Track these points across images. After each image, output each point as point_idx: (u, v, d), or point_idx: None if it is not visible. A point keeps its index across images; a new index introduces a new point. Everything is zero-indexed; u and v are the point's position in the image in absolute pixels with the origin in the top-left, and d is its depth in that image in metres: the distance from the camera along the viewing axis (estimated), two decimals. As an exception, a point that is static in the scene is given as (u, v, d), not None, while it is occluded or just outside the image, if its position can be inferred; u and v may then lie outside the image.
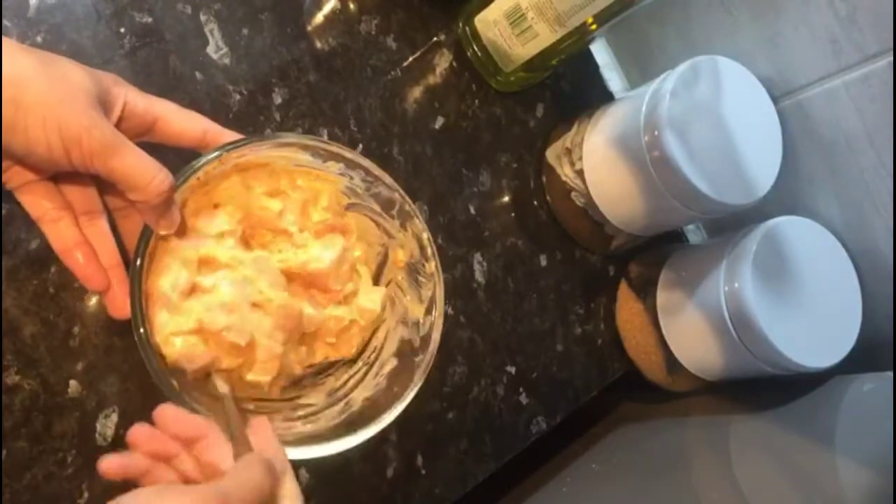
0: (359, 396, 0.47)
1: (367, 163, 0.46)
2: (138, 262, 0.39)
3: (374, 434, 0.44)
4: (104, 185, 0.40)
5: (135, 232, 0.40)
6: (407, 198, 0.48)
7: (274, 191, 0.46)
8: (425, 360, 0.47)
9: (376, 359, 0.49)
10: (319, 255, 0.47)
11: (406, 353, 0.48)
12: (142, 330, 0.38)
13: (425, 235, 0.48)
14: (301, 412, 0.46)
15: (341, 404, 0.47)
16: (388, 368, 0.48)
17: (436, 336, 0.47)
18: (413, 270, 0.49)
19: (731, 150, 0.57)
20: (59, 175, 0.39)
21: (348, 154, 0.46)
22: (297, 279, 0.47)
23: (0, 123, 0.33)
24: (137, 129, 0.40)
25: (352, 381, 0.49)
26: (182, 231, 0.42)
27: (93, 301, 0.46)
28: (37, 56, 0.35)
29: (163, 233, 0.40)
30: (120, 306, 0.40)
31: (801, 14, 0.58)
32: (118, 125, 0.38)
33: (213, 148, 0.41)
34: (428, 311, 0.48)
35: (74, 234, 0.39)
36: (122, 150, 0.36)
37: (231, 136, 0.43)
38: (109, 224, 0.41)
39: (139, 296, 0.39)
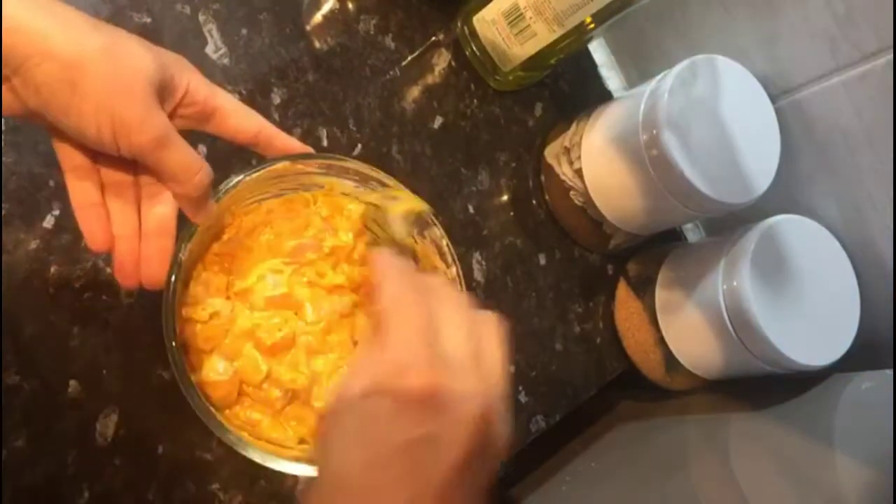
0: None
1: (356, 164, 0.46)
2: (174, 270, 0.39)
3: None
4: (140, 166, 0.39)
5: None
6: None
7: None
8: None
9: None
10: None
11: None
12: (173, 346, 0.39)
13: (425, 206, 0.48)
14: None
15: None
16: None
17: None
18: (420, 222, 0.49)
19: (730, 149, 0.57)
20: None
21: (338, 162, 0.45)
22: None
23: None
24: (194, 116, 0.40)
25: None
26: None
27: (92, 301, 0.46)
28: (105, 36, 0.34)
29: (198, 222, 0.40)
30: (128, 274, 0.39)
31: (799, 13, 0.58)
32: (175, 110, 0.38)
33: (227, 188, 0.42)
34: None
35: (94, 197, 0.39)
36: (171, 146, 0.36)
37: (285, 138, 0.42)
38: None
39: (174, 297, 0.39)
